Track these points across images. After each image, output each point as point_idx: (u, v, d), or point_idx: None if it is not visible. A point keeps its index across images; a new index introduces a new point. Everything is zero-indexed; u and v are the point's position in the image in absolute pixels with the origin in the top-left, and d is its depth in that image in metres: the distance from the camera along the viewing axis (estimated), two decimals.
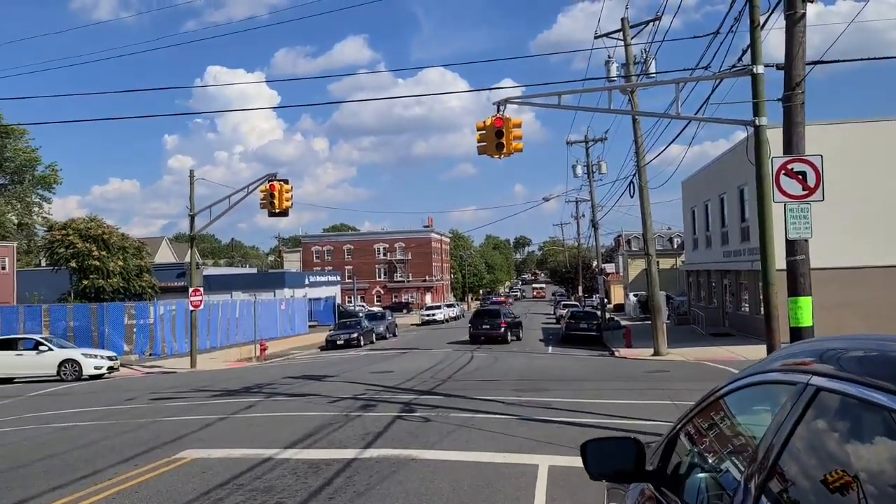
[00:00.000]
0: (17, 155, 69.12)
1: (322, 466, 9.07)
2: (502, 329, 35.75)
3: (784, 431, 1.98)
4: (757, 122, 13.62)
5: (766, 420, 2.18)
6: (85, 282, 41.51)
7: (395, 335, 45.03)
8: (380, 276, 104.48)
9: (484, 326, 36.12)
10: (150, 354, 34.85)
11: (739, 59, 15.22)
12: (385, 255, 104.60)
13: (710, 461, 2.65)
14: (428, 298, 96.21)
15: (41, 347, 25.09)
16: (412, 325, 60.03)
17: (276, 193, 26.49)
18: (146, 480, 8.75)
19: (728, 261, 32.17)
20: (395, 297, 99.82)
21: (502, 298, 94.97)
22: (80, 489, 8.47)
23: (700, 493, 2.59)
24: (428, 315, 62.12)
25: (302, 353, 35.37)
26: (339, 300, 68.60)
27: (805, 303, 11.36)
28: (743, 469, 2.22)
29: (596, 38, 28.46)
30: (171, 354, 35.31)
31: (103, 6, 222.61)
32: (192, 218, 29.93)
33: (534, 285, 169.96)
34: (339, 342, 36.33)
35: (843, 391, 1.81)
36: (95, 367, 24.92)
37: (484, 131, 15.93)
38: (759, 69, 13.66)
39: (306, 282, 65.14)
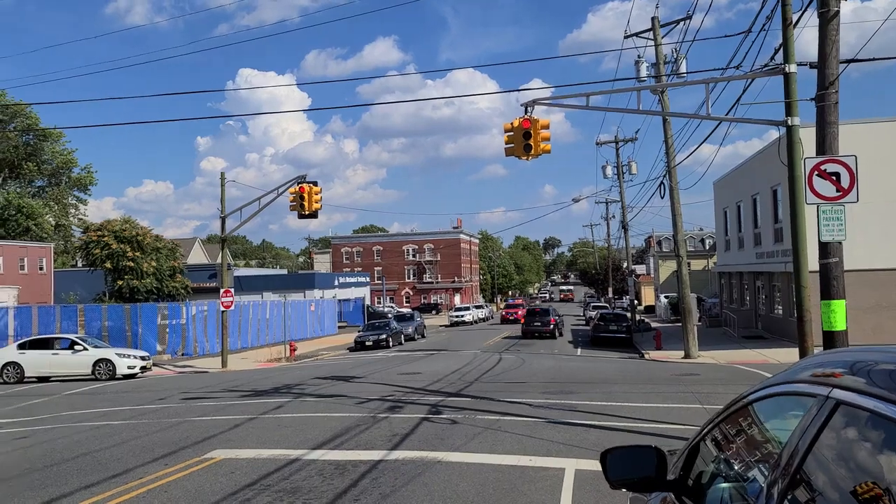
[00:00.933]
0: (54, 157, 70.81)
1: (349, 468, 9.12)
2: (552, 326, 39.61)
3: (806, 442, 1.95)
4: (789, 122, 13.37)
5: (790, 427, 2.15)
6: (119, 282, 42.31)
7: (423, 336, 45.07)
8: (409, 278, 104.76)
9: (536, 323, 39.83)
10: (183, 354, 35.37)
11: (772, 57, 15.01)
12: (414, 256, 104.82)
13: (733, 470, 2.61)
14: (457, 300, 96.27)
15: (76, 347, 25.58)
16: (441, 326, 60.08)
17: (306, 196, 26.82)
18: (176, 480, 8.88)
19: (761, 262, 31.66)
20: (424, 298, 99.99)
21: (519, 301, 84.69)
22: (111, 488, 8.63)
23: (723, 503, 2.54)
24: (457, 316, 62.06)
25: (331, 353, 35.58)
26: (368, 301, 68.92)
27: (839, 306, 11.12)
28: (766, 477, 2.19)
29: (626, 37, 28.25)
30: (203, 354, 35.83)
31: (137, 11, 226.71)
32: (224, 220, 30.38)
33: (561, 287, 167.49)
34: (367, 343, 36.49)
35: (862, 405, 1.78)
36: (129, 367, 25.34)
37: (512, 133, 15.92)
38: (792, 68, 13.42)
39: (336, 283, 65.52)
